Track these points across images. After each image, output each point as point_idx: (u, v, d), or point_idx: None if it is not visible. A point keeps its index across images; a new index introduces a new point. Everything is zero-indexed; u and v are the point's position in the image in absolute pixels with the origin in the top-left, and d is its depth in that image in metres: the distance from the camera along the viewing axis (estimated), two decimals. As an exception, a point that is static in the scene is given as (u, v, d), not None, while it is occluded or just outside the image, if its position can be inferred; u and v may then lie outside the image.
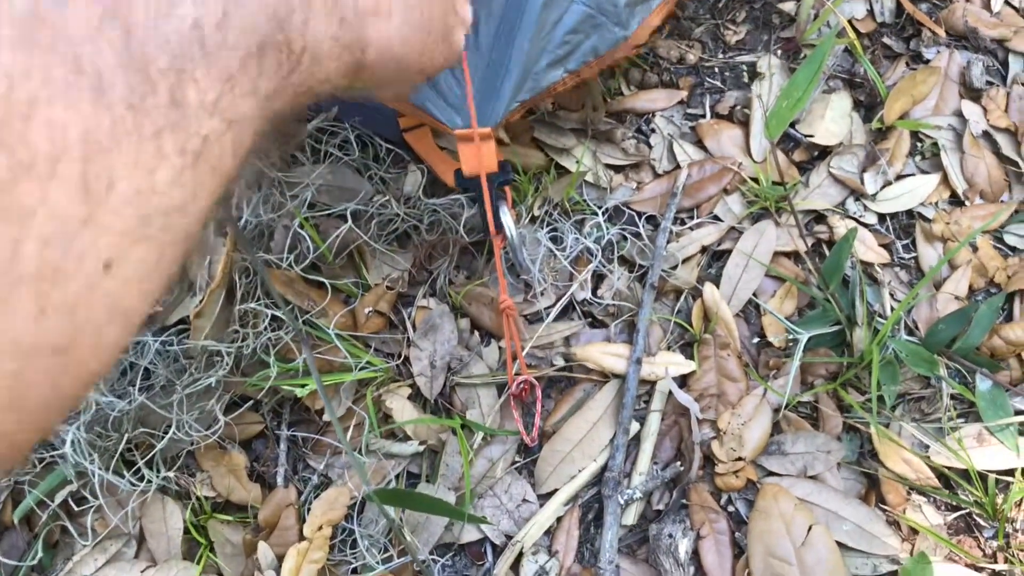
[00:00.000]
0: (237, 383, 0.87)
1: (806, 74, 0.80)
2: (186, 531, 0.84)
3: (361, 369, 0.88)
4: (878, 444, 0.88)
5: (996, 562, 0.85)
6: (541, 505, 0.87)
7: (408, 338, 0.92)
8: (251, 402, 0.88)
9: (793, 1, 1.08)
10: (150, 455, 0.84)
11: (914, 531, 0.86)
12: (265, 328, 0.87)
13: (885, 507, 0.86)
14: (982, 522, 0.87)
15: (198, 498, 0.85)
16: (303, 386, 0.85)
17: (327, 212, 0.93)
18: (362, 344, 0.91)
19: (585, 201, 0.97)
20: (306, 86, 0.36)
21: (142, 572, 0.82)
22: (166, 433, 0.84)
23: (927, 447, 0.88)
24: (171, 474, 0.84)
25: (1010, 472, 0.86)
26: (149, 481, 0.84)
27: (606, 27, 0.84)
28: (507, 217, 0.83)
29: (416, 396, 0.90)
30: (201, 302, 0.88)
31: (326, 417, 0.88)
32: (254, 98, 0.32)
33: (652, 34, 0.92)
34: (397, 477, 0.88)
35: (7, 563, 0.83)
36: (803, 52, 1.04)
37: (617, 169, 1.00)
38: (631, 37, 0.86)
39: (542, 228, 0.95)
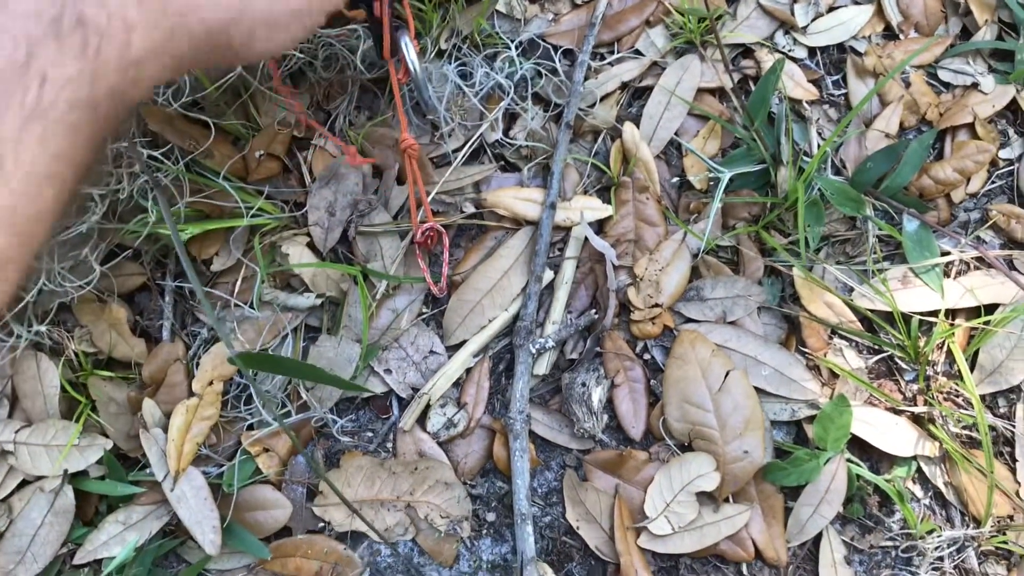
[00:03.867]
0: (113, 230, 0.79)
1: None
2: (63, 389, 0.78)
3: (254, 216, 0.81)
4: (800, 287, 0.84)
5: (916, 405, 0.83)
6: (449, 357, 0.83)
7: (305, 184, 0.85)
8: (130, 251, 0.80)
9: None
10: (19, 307, 0.77)
11: (834, 375, 0.83)
12: (142, 170, 0.79)
13: (806, 351, 0.83)
14: (904, 365, 0.85)
15: (76, 354, 0.79)
16: (184, 231, 0.78)
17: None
18: (254, 191, 0.83)
19: (497, 33, 0.89)
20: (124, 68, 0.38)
21: (16, 432, 0.76)
22: (36, 284, 0.76)
23: (851, 290, 0.85)
24: (43, 328, 0.77)
25: (933, 314, 0.84)
26: (19, 336, 0.77)
27: None
28: (409, 48, 0.75)
29: (314, 246, 0.83)
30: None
31: (214, 267, 0.82)
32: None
33: None
34: (295, 331, 0.82)
35: None
36: None
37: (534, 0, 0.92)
38: None
39: (450, 63, 0.87)
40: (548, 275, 0.84)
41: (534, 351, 0.81)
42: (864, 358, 0.85)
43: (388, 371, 0.81)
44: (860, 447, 0.82)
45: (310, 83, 0.87)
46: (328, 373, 0.73)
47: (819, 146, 0.87)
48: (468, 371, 0.83)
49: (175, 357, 0.79)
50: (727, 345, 0.83)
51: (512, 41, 0.89)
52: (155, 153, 0.79)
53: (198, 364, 0.79)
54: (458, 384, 0.82)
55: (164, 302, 0.82)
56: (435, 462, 0.80)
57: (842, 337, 0.85)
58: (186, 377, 0.79)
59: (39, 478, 0.76)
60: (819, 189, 0.84)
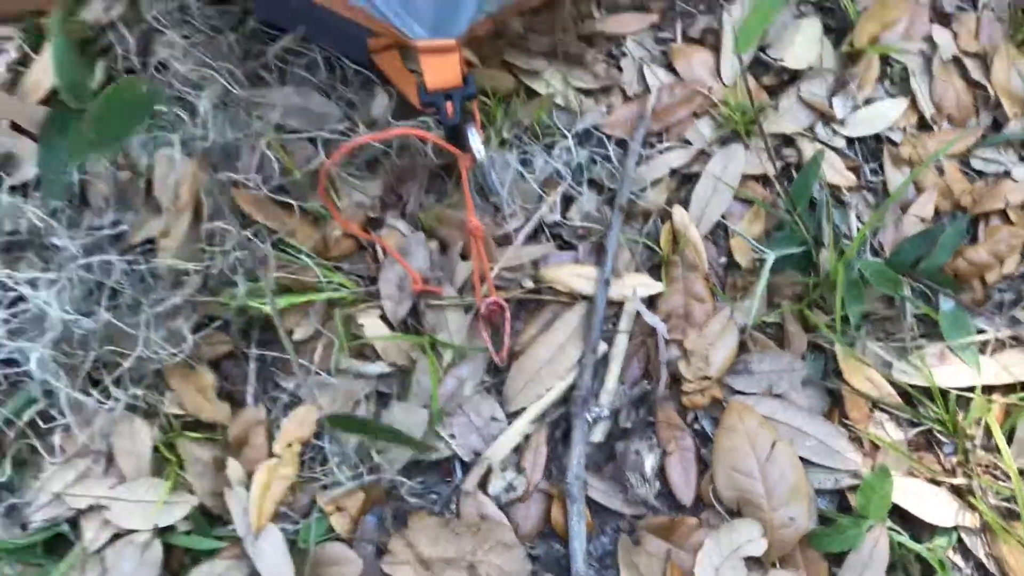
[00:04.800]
0: (205, 302, 0.86)
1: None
2: (155, 449, 0.84)
3: (333, 290, 0.88)
4: (843, 362, 0.89)
5: (955, 476, 0.86)
6: (510, 423, 0.88)
7: (378, 260, 0.92)
8: (220, 321, 0.88)
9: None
10: (117, 373, 0.84)
11: (876, 447, 0.87)
12: (233, 247, 0.86)
13: (848, 423, 0.88)
14: (942, 438, 0.89)
15: (167, 416, 0.85)
16: (274, 305, 0.85)
17: (295, 134, 0.92)
18: (332, 266, 0.90)
19: (555, 124, 0.97)
20: None
21: (111, 488, 0.82)
22: (134, 352, 0.83)
23: (890, 365, 0.89)
24: (139, 392, 0.84)
25: (970, 390, 0.88)
26: (117, 399, 0.83)
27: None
28: (475, 137, 0.82)
29: (386, 318, 0.90)
30: (167, 221, 0.87)
31: (296, 337, 0.88)
32: None
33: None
34: (367, 397, 0.88)
35: (-24, 481, 0.83)
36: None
37: (587, 93, 1.00)
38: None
39: (512, 151, 0.95)
40: (602, 347, 0.90)
41: (590, 419, 0.87)
42: (904, 430, 0.89)
43: (452, 436, 0.87)
44: (902, 516, 0.85)
45: (384, 168, 0.95)
46: (404, 433, 0.79)
47: (858, 230, 0.93)
48: (527, 437, 0.88)
49: (257, 420, 0.86)
50: (774, 417, 0.87)
51: (569, 131, 0.96)
52: (247, 233, 0.87)
53: (279, 427, 0.85)
54: (518, 449, 0.88)
55: (248, 369, 0.88)
56: (496, 524, 0.85)
57: (883, 410, 0.89)
58: (267, 439, 0.85)
59: (131, 532, 0.82)
60: (859, 270, 0.90)
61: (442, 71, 0.80)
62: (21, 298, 0.84)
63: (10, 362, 0.83)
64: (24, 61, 0.96)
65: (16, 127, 0.93)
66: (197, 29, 0.94)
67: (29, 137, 0.93)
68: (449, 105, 0.80)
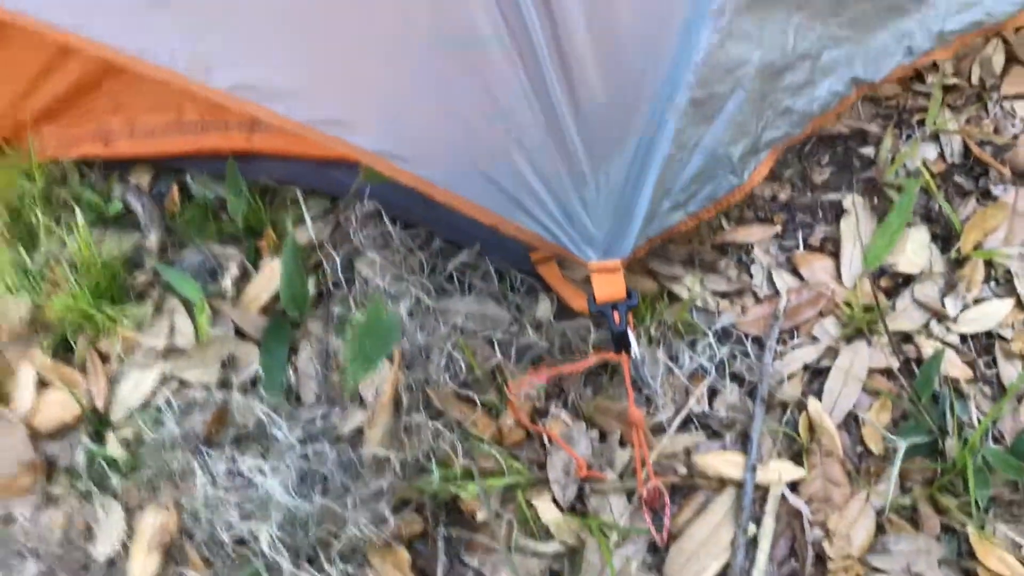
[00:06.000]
0: (403, 487, 1.00)
1: (897, 218, 0.95)
2: (361, 619, 0.95)
3: (511, 476, 1.01)
4: (975, 543, 0.97)
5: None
6: (671, 599, 0.98)
7: (545, 447, 1.05)
8: (414, 504, 1.00)
9: (871, 146, 1.23)
10: (331, 552, 0.96)
11: (1014, 625, 0.94)
12: (429, 437, 1.00)
13: (985, 602, 0.95)
14: (1077, 617, 0.95)
15: (370, 591, 0.97)
16: (463, 489, 0.98)
17: (475, 336, 1.08)
18: (508, 453, 1.03)
19: (696, 324, 1.11)
20: None
21: (326, 656, 0.93)
22: (344, 531, 0.96)
23: (1020, 547, 0.97)
24: (349, 570, 0.96)
25: (1100, 571, 0.95)
26: (328, 574, 0.96)
27: (723, 176, 0.99)
28: (632, 340, 0.97)
29: (556, 500, 1.01)
30: (372, 415, 1.02)
31: (478, 518, 1.00)
32: None
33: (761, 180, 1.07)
34: (542, 573, 0.99)
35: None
36: (884, 191, 1.19)
37: (723, 295, 1.14)
38: (744, 184, 1.01)
39: (660, 348, 1.08)
40: (752, 529, 1.00)
41: (745, 596, 0.96)
42: (1040, 610, 0.96)
43: (620, 611, 0.97)
44: None
45: (547, 364, 1.09)
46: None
47: (979, 419, 1.03)
48: (688, 612, 0.97)
49: (448, 594, 0.97)
50: (915, 595, 0.95)
51: (709, 330, 1.10)
52: (437, 424, 1.01)
53: (467, 601, 0.96)
54: (680, 624, 0.97)
55: (439, 548, 1.00)
56: None
57: (1018, 590, 0.96)
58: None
59: None
60: (983, 457, 0.99)
61: (609, 286, 0.95)
62: (250, 483, 0.99)
63: (241, 541, 0.97)
64: (244, 276, 1.15)
65: (239, 333, 1.10)
66: (393, 249, 1.11)
67: (251, 342, 1.10)
68: (616, 315, 0.95)
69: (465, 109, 0.93)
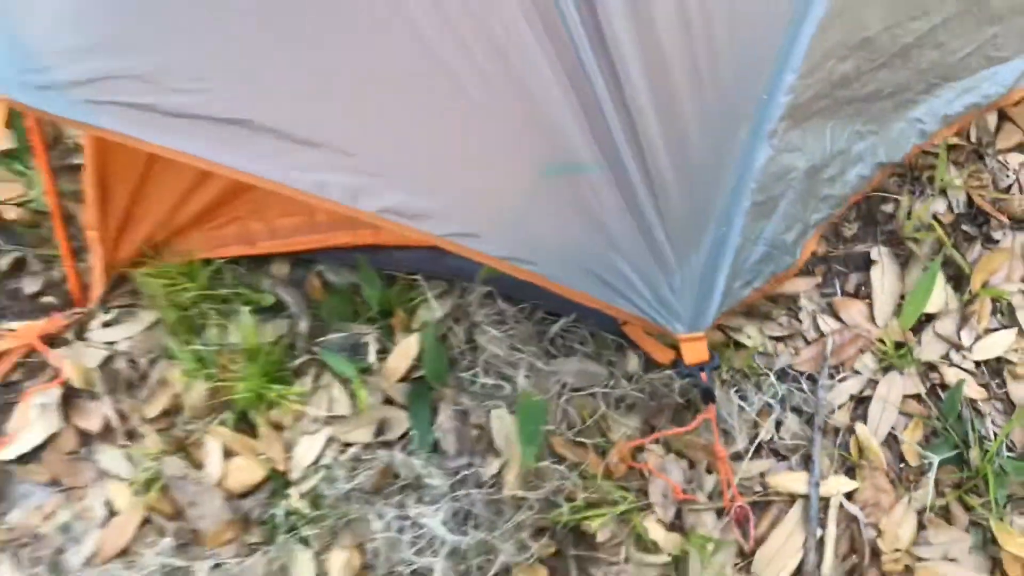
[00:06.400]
0: (538, 518, 1.24)
1: (925, 282, 1.19)
2: (517, 628, 1.20)
3: (622, 503, 1.26)
4: (998, 533, 1.23)
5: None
6: (759, 594, 1.23)
7: (645, 478, 1.30)
8: (548, 532, 1.25)
9: (891, 203, 1.47)
10: (486, 575, 1.21)
11: (1032, 597, 1.20)
12: (554, 477, 1.25)
13: (1009, 580, 1.21)
14: (1081, 586, 1.21)
15: (522, 604, 1.22)
16: (586, 519, 1.23)
17: (580, 392, 1.32)
18: (616, 484, 1.28)
19: (758, 366, 1.35)
20: None
21: (495, 658, 1.18)
22: (496, 558, 1.21)
23: (1034, 534, 1.23)
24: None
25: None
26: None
27: (780, 257, 1.23)
28: (712, 385, 1.21)
29: (660, 520, 1.26)
30: (507, 462, 1.27)
31: (599, 539, 1.25)
32: None
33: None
34: (653, 580, 1.24)
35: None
36: (904, 242, 1.43)
37: (778, 339, 1.39)
38: (797, 261, 1.25)
39: (731, 390, 1.33)
40: (819, 532, 1.25)
41: (818, 588, 1.21)
42: (1052, 583, 1.21)
43: (719, 606, 1.22)
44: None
45: (640, 409, 1.33)
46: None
47: (995, 433, 1.28)
48: (773, 604, 1.22)
49: (584, 602, 1.22)
50: (952, 577, 1.21)
51: (770, 370, 1.34)
52: (562, 467, 1.26)
53: (599, 607, 1.21)
54: (767, 614, 1.22)
55: (570, 565, 1.25)
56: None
57: (1034, 568, 1.22)
58: (592, 616, 1.21)
59: None
60: (1000, 465, 1.24)
61: (696, 352, 1.20)
62: (415, 524, 1.24)
63: (415, 572, 1.22)
64: (382, 351, 1.39)
65: (387, 400, 1.35)
66: (506, 323, 1.35)
67: (397, 406, 1.34)
68: (703, 375, 1.19)
69: (574, 222, 1.17)
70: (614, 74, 1.10)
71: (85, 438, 1.36)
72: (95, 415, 1.37)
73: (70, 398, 1.38)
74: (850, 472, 1.29)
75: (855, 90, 1.21)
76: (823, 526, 1.26)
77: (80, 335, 1.43)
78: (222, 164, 1.15)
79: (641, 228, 1.16)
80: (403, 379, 1.37)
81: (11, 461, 1.34)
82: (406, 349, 1.37)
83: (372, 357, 1.37)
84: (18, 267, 1.50)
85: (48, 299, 1.50)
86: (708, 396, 1.21)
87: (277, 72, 1.10)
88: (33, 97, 1.10)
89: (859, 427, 1.30)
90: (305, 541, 1.26)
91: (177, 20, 1.09)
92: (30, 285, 1.50)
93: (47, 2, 1.10)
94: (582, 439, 1.29)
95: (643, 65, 1.11)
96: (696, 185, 1.16)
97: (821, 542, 1.25)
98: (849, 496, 1.28)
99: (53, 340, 1.42)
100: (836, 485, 1.27)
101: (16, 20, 1.11)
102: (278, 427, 1.34)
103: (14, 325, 1.43)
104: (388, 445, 1.32)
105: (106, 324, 1.43)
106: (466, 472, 1.28)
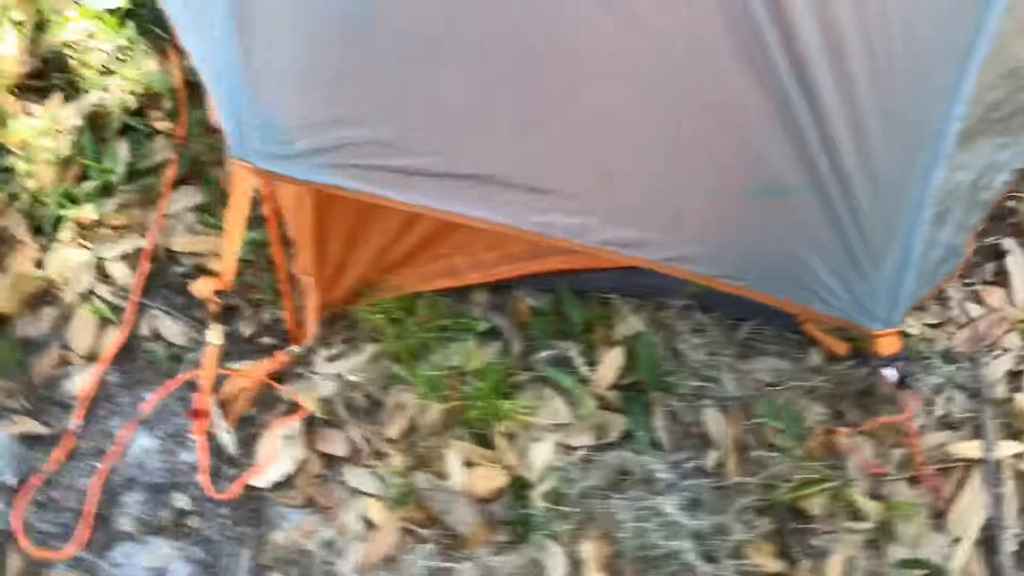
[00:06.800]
0: (759, 500, 1.43)
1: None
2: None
3: (833, 480, 1.44)
4: None
5: None
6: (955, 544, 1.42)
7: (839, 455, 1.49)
8: (769, 511, 1.43)
9: (1013, 199, 1.68)
10: (721, 552, 1.39)
11: None
12: (768, 462, 1.43)
13: None
14: None
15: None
16: (801, 497, 1.42)
17: (776, 387, 1.51)
18: (820, 465, 1.46)
19: (924, 351, 1.55)
20: None
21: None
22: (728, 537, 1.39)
23: None
24: (737, 562, 1.39)
25: None
26: (726, 567, 1.39)
27: (952, 258, 1.43)
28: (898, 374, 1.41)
29: (862, 492, 1.45)
30: (726, 452, 1.45)
31: (815, 511, 1.44)
32: None
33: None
34: (864, 543, 1.43)
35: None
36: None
37: (933, 326, 1.59)
38: (963, 259, 1.45)
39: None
40: (998, 491, 1.45)
41: (1008, 537, 1.41)
42: None
43: (922, 560, 1.41)
44: None
45: (825, 394, 1.52)
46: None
47: None
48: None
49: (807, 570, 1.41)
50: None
51: (936, 353, 1.54)
52: (772, 455, 1.44)
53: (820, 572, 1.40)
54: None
55: (791, 539, 1.44)
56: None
57: None
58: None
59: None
60: None
61: (890, 347, 1.38)
62: (657, 512, 1.41)
63: (664, 556, 1.39)
64: (590, 364, 1.56)
65: (603, 407, 1.53)
66: (705, 331, 1.54)
67: (612, 410, 1.52)
68: (899, 365, 1.39)
69: (781, 239, 1.35)
70: (818, 112, 1.28)
71: (330, 462, 1.53)
72: (338, 440, 1.54)
73: (309, 427, 1.54)
74: (1016, 436, 1.49)
75: (1002, 111, 1.41)
76: (1000, 484, 1.46)
77: (307, 370, 1.59)
78: (464, 215, 1.31)
79: (841, 240, 1.34)
80: (611, 387, 1.54)
81: (266, 489, 1.50)
82: (611, 361, 1.55)
83: (584, 369, 1.55)
84: (230, 312, 1.66)
85: (264, 340, 1.65)
86: (901, 383, 1.40)
87: (510, 129, 1.25)
88: (279, 165, 1.26)
89: (1017, 397, 1.50)
90: (554, 536, 1.43)
91: (410, 89, 1.22)
92: (245, 328, 1.66)
93: (290, 89, 1.26)
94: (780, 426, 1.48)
95: (839, 100, 1.29)
96: (886, 204, 1.35)
97: (999, 499, 1.45)
98: (1019, 456, 1.48)
99: (280, 377, 1.58)
100: (1006, 448, 1.47)
101: (266, 104, 1.27)
102: (510, 437, 1.51)
103: (238, 366, 1.59)
104: (610, 446, 1.49)
105: (330, 358, 1.60)
106: (687, 465, 1.46)
